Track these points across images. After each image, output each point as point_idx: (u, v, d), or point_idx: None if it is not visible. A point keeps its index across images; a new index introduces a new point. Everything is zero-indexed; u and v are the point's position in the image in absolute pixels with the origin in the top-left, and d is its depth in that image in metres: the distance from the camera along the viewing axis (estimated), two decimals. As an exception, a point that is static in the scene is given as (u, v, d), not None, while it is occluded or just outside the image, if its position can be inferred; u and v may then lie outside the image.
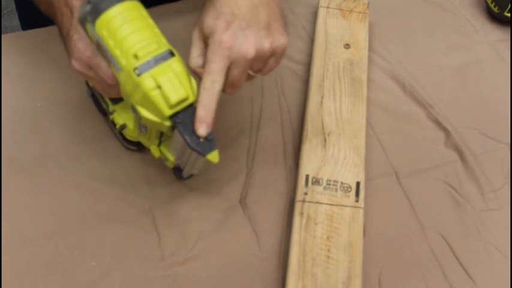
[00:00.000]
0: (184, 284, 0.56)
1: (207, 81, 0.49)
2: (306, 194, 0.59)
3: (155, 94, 0.47)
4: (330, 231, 0.56)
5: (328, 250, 0.55)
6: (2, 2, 1.66)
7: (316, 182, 0.60)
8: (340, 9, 0.78)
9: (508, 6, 0.79)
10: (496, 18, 0.82)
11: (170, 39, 0.49)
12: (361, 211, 0.58)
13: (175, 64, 0.48)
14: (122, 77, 0.48)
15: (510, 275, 0.58)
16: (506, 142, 0.69)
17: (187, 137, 0.49)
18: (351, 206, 0.58)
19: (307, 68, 0.74)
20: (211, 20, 0.51)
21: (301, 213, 0.58)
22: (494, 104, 0.73)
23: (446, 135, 0.69)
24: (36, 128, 0.65)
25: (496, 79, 0.76)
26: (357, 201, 0.59)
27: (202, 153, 0.49)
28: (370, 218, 0.61)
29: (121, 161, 0.64)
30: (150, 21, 0.49)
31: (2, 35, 0.73)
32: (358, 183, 0.60)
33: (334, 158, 0.62)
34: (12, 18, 1.68)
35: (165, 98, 0.47)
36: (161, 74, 0.47)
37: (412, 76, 0.75)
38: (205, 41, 0.52)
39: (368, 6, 0.79)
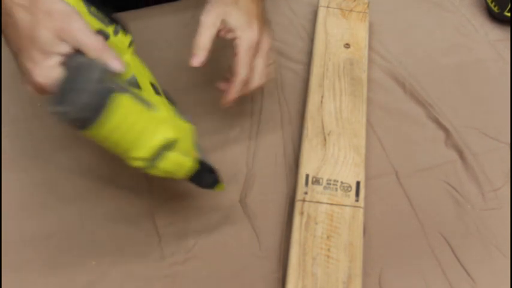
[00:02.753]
0: (184, 284, 0.56)
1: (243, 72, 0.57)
2: (306, 193, 0.59)
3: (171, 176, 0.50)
4: (330, 231, 0.56)
5: (328, 250, 0.55)
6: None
7: (316, 181, 0.60)
8: (340, 9, 0.78)
9: (508, 5, 0.79)
10: (496, 18, 0.82)
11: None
12: (361, 211, 0.58)
13: (176, 151, 0.49)
14: None
15: (510, 275, 0.58)
16: (506, 142, 0.69)
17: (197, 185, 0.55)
18: (351, 206, 0.58)
19: (307, 67, 0.74)
20: (235, 17, 0.57)
21: (301, 213, 0.58)
22: (494, 103, 0.73)
23: (446, 134, 0.69)
24: (36, 128, 0.65)
25: (496, 79, 0.76)
26: (357, 200, 0.59)
27: (211, 188, 0.56)
28: (370, 218, 0.61)
29: (121, 161, 0.63)
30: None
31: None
32: (358, 183, 0.60)
33: (334, 157, 0.62)
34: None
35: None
36: (167, 162, 0.49)
37: (412, 76, 0.75)
38: (221, 29, 0.57)
39: (368, 6, 0.79)
